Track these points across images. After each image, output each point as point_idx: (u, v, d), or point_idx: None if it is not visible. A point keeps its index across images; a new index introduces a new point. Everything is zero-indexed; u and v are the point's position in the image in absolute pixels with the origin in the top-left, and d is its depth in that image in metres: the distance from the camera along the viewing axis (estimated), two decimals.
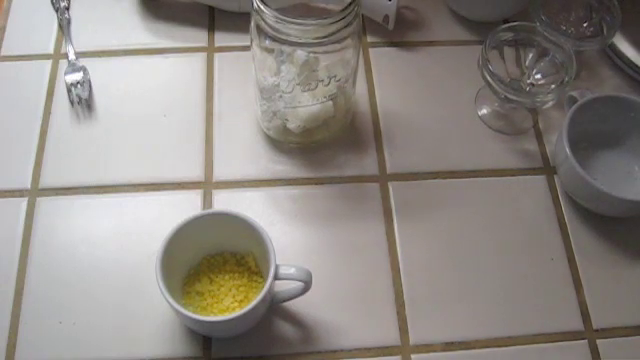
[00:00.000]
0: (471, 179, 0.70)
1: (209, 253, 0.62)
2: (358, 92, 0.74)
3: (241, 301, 0.60)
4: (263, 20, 0.59)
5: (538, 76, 0.72)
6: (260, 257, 0.60)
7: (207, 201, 0.68)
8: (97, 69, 0.75)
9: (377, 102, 0.75)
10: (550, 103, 0.69)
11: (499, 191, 0.70)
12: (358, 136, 0.73)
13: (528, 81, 0.72)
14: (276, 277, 0.56)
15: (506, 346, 0.61)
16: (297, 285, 0.58)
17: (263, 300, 0.55)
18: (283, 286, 0.59)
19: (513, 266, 0.66)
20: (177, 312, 0.54)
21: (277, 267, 0.56)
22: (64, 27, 0.78)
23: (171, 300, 0.54)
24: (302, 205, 0.68)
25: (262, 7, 0.57)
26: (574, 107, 0.67)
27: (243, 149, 0.71)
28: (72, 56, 0.76)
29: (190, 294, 0.60)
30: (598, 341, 0.62)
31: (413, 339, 0.61)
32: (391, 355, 0.61)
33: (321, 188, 0.69)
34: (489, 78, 0.68)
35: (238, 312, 0.54)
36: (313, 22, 0.58)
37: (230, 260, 0.62)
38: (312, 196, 0.69)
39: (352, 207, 0.68)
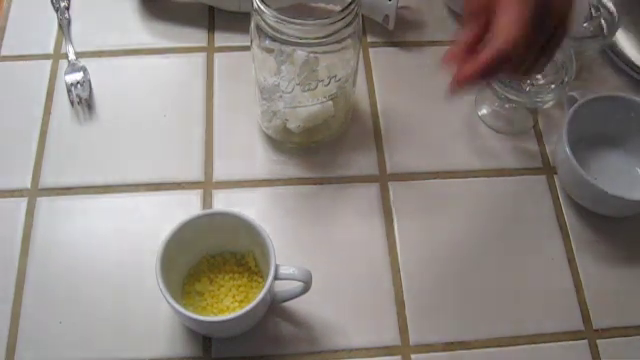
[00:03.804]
0: (471, 179, 0.70)
1: (209, 253, 0.62)
2: (358, 92, 0.74)
3: (241, 301, 0.60)
4: (263, 20, 0.59)
5: (538, 76, 0.72)
6: (260, 257, 0.60)
7: (207, 201, 0.68)
8: (97, 69, 0.75)
9: (377, 102, 0.75)
10: (550, 103, 0.69)
11: (499, 191, 0.70)
12: (358, 136, 0.73)
13: (528, 81, 0.72)
14: (276, 277, 0.56)
15: (506, 346, 0.61)
16: (297, 285, 0.58)
17: (263, 300, 0.55)
18: (283, 286, 0.59)
19: (513, 266, 0.66)
20: (177, 312, 0.54)
21: (277, 267, 0.56)
22: (64, 27, 0.78)
23: (171, 300, 0.54)
24: (302, 205, 0.68)
25: (262, 7, 0.57)
26: (574, 107, 0.67)
27: (243, 149, 0.71)
28: (72, 56, 0.76)
29: (190, 294, 0.60)
30: (598, 341, 0.62)
31: (413, 339, 0.61)
32: (391, 355, 0.61)
33: (321, 188, 0.69)
34: None
35: (238, 312, 0.54)
36: (313, 22, 0.58)
37: (230, 260, 0.62)
38: (312, 196, 0.69)
39: (352, 207, 0.68)
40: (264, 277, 0.60)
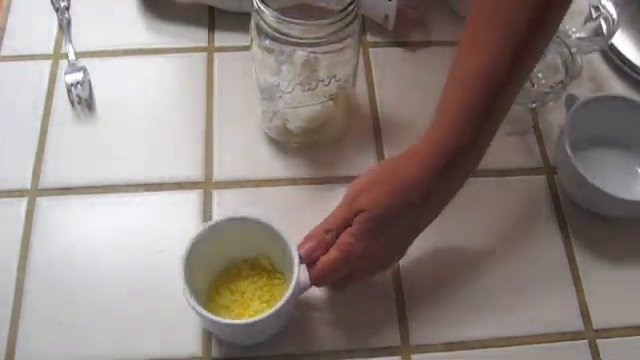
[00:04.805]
0: (471, 179, 0.70)
1: (223, 264, 0.61)
2: (358, 92, 0.74)
3: (267, 301, 0.59)
4: (263, 20, 0.59)
5: (538, 76, 0.72)
6: (275, 256, 0.60)
7: (207, 201, 0.68)
8: (97, 69, 0.75)
9: (377, 102, 0.75)
10: (550, 103, 0.69)
11: (499, 191, 0.70)
12: (358, 136, 0.73)
13: (528, 81, 0.72)
14: (302, 261, 0.56)
15: (506, 346, 0.61)
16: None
17: (296, 287, 0.54)
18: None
19: (513, 266, 0.65)
20: (217, 324, 0.54)
21: (299, 252, 0.56)
22: (64, 27, 0.78)
23: (210, 315, 0.53)
24: (302, 205, 0.68)
25: (262, 7, 0.57)
26: (574, 107, 0.67)
27: (243, 149, 0.71)
28: (72, 56, 0.76)
29: (216, 310, 0.58)
30: (598, 341, 0.62)
31: (413, 339, 0.61)
32: (391, 355, 0.60)
33: (321, 188, 0.69)
34: None
35: (280, 303, 0.53)
36: (313, 22, 0.58)
37: (244, 267, 0.61)
38: (312, 196, 0.69)
39: None
40: (283, 274, 0.60)
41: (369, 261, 0.57)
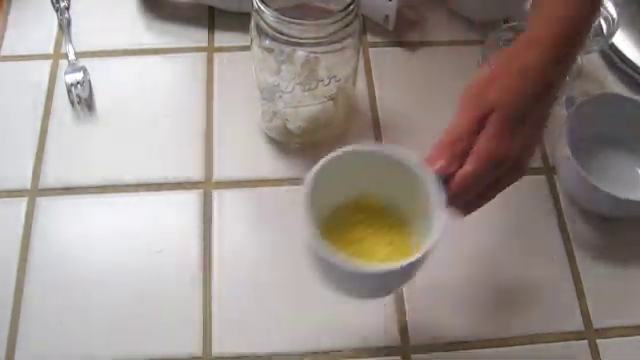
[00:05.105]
0: None
1: (327, 210, 0.54)
2: (358, 92, 0.74)
3: (391, 243, 0.53)
4: (263, 20, 0.59)
5: None
6: (386, 191, 0.53)
7: (207, 201, 0.68)
8: (97, 69, 0.75)
9: (377, 102, 0.75)
10: None
11: None
12: (358, 136, 0.73)
13: None
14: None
15: (506, 346, 0.61)
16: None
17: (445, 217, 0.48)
18: None
19: (513, 266, 0.66)
20: (370, 277, 0.47)
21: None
22: (64, 27, 0.78)
23: (367, 267, 0.47)
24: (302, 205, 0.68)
25: (262, 7, 0.57)
26: (574, 107, 0.67)
27: (243, 149, 0.71)
28: (72, 56, 0.76)
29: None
30: (598, 341, 0.62)
31: (413, 339, 0.61)
32: (391, 355, 0.61)
33: None
34: None
35: (437, 232, 0.47)
36: (313, 22, 0.58)
37: (349, 208, 0.54)
38: None
39: None
40: (397, 210, 0.54)
41: (508, 167, 0.51)
